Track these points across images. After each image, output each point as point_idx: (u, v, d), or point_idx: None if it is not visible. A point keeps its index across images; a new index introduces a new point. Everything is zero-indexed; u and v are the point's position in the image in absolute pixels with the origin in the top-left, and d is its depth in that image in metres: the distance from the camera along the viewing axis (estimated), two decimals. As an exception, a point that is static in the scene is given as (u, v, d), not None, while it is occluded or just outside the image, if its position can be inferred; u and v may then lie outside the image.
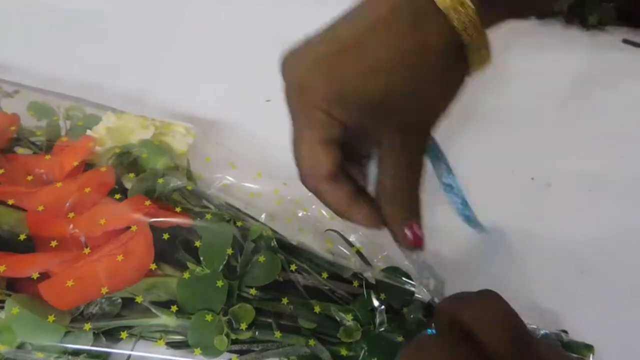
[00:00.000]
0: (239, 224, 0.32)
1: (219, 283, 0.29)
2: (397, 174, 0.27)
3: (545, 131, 0.49)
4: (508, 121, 0.50)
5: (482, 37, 0.26)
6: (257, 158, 0.40)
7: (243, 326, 0.28)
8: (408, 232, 0.27)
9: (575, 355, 0.29)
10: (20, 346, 0.28)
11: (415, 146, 0.27)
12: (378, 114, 0.25)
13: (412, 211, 0.27)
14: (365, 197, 0.28)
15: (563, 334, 0.30)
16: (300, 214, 0.37)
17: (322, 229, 0.36)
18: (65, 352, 0.28)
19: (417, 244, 0.27)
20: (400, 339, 0.29)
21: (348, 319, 0.29)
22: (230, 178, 0.38)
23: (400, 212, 0.27)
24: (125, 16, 0.58)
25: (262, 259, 0.30)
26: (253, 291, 0.29)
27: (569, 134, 0.49)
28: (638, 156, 0.47)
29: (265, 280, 0.30)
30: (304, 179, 0.28)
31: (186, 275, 0.29)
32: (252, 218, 0.35)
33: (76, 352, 0.28)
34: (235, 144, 0.42)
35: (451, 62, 0.26)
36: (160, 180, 0.33)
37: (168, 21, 0.58)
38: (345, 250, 0.34)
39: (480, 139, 0.48)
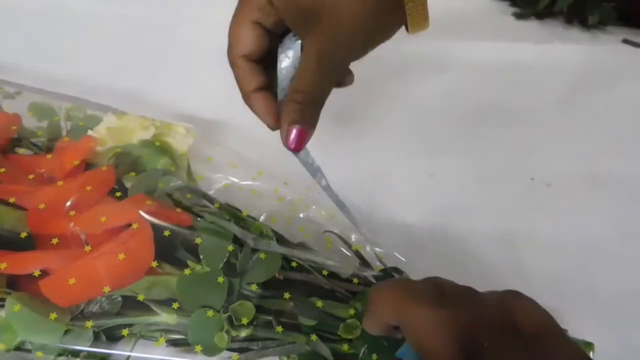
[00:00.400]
0: (238, 228, 0.32)
1: (220, 279, 0.29)
2: (305, 77, 0.28)
3: (545, 131, 0.49)
4: (508, 121, 0.50)
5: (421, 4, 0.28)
6: (257, 158, 0.40)
7: (245, 321, 0.28)
8: (292, 133, 0.28)
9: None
10: (20, 345, 0.28)
11: (330, 58, 0.28)
12: (309, 18, 0.27)
13: (305, 117, 0.28)
14: (273, 95, 0.30)
15: (562, 332, 0.30)
16: (300, 214, 0.37)
17: (322, 229, 0.36)
18: (65, 351, 0.28)
19: (296, 147, 0.28)
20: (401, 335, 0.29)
21: (350, 315, 0.29)
22: (231, 178, 0.38)
23: (293, 112, 0.28)
24: (125, 16, 0.58)
25: (262, 255, 0.30)
26: (254, 287, 0.29)
27: (569, 133, 0.49)
28: (638, 156, 0.47)
29: (265, 277, 0.30)
30: (227, 51, 0.30)
31: (186, 272, 0.29)
32: (252, 218, 0.35)
33: (76, 352, 0.28)
34: (235, 144, 0.42)
35: (388, 7, 0.27)
36: (161, 184, 0.33)
37: (168, 21, 0.58)
38: (344, 251, 0.34)
39: (480, 139, 0.48)
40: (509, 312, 0.23)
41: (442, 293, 0.23)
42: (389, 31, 0.29)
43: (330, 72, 0.28)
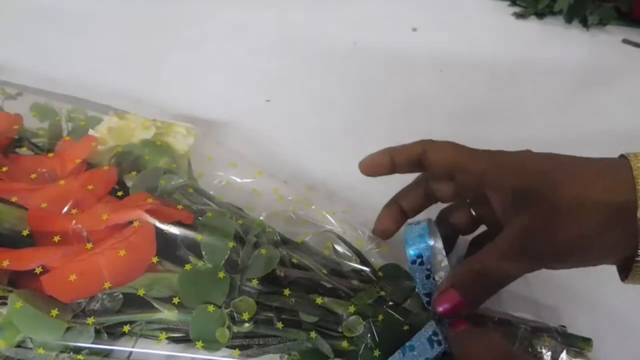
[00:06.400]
0: (239, 222, 0.32)
1: (221, 274, 0.29)
2: (494, 250, 0.27)
3: (545, 130, 0.49)
4: (508, 121, 0.50)
5: None
6: (257, 157, 0.40)
7: (245, 316, 0.28)
8: (447, 296, 0.27)
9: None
10: (21, 343, 0.28)
11: (530, 243, 0.26)
12: (516, 202, 0.27)
13: (470, 289, 0.27)
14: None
15: (561, 329, 0.30)
16: (300, 213, 0.37)
17: (322, 229, 0.36)
18: (67, 348, 0.28)
19: (443, 311, 0.27)
20: (406, 328, 0.29)
21: (350, 312, 0.29)
22: (231, 177, 0.38)
23: (462, 277, 0.27)
24: (126, 16, 0.58)
25: (263, 251, 0.31)
26: (255, 282, 0.29)
27: (568, 133, 0.49)
28: (638, 155, 0.47)
29: (264, 271, 0.30)
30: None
31: (187, 267, 0.29)
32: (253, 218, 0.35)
33: (77, 350, 0.28)
34: (236, 143, 0.42)
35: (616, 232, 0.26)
36: (162, 182, 0.34)
37: (168, 21, 0.58)
38: (345, 251, 0.34)
39: (480, 138, 0.48)
40: None
41: None
42: (604, 254, 0.27)
43: (521, 256, 0.27)
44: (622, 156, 0.28)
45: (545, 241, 0.26)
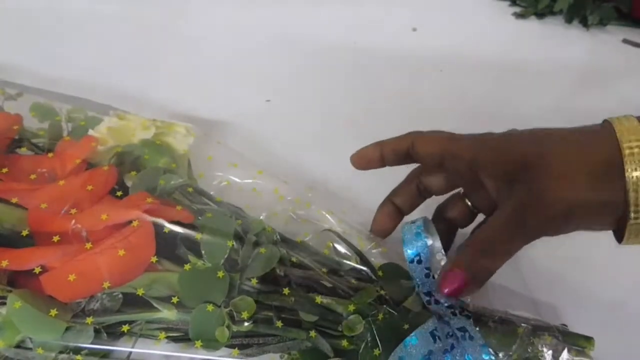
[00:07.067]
0: (238, 222, 0.32)
1: (220, 274, 0.29)
2: (491, 227, 0.28)
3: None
4: (508, 121, 0.50)
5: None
6: (257, 157, 0.40)
7: (245, 315, 0.28)
8: (451, 276, 0.27)
9: None
10: (21, 343, 0.28)
11: (525, 217, 0.27)
12: (509, 182, 0.28)
13: (474, 265, 0.27)
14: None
15: (563, 327, 0.30)
16: (300, 213, 0.37)
17: (321, 229, 0.36)
18: (67, 349, 0.28)
19: (449, 292, 0.27)
20: (406, 327, 0.29)
21: (350, 311, 0.29)
22: (231, 177, 0.38)
23: (464, 255, 0.27)
24: (126, 16, 0.58)
25: (263, 250, 0.31)
26: (254, 281, 0.29)
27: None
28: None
29: (263, 270, 0.30)
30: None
31: (187, 267, 0.29)
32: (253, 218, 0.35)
33: (77, 350, 0.28)
34: (236, 143, 0.42)
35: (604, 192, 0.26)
36: (162, 181, 0.34)
37: (168, 21, 0.58)
38: (345, 250, 0.34)
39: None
40: None
41: None
42: (598, 216, 0.27)
43: (519, 229, 0.27)
44: (605, 121, 0.29)
45: (540, 214, 0.27)
